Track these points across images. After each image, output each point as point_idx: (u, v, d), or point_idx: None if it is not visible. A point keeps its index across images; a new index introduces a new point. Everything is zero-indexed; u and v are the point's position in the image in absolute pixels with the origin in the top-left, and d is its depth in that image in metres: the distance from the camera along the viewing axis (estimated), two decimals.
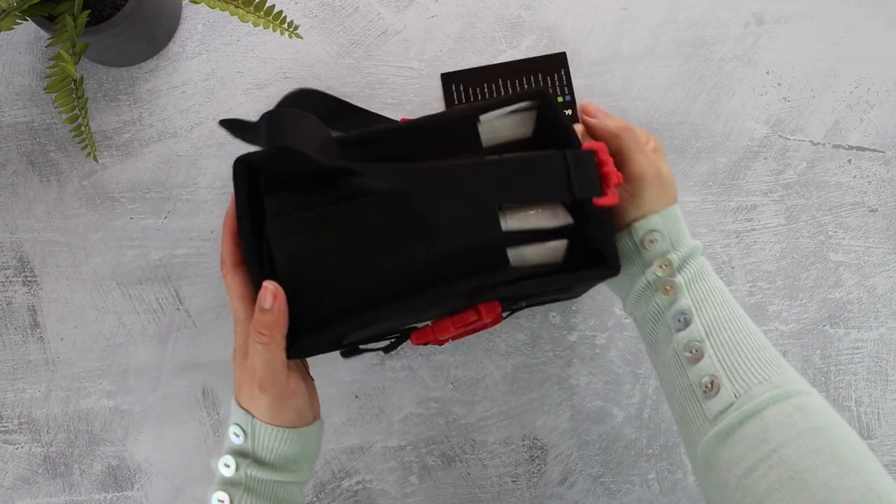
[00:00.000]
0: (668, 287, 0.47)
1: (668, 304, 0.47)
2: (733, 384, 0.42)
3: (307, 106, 0.54)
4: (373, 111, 0.62)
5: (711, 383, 0.43)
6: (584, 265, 0.47)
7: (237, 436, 0.45)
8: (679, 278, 0.47)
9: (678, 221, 0.49)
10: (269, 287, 0.43)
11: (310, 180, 0.46)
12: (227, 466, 0.45)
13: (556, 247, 0.49)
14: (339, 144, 0.46)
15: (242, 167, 0.45)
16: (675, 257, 0.47)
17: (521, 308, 0.59)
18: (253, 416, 0.45)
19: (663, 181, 0.48)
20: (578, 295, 0.61)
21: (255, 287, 0.45)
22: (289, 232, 0.45)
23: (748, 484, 0.39)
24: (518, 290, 0.46)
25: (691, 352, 0.45)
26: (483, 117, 0.47)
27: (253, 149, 0.46)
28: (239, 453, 0.45)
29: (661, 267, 0.47)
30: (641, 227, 0.48)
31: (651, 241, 0.48)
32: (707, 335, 0.45)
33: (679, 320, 0.46)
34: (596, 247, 0.47)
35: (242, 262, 0.46)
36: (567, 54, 0.66)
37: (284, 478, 0.46)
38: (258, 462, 0.45)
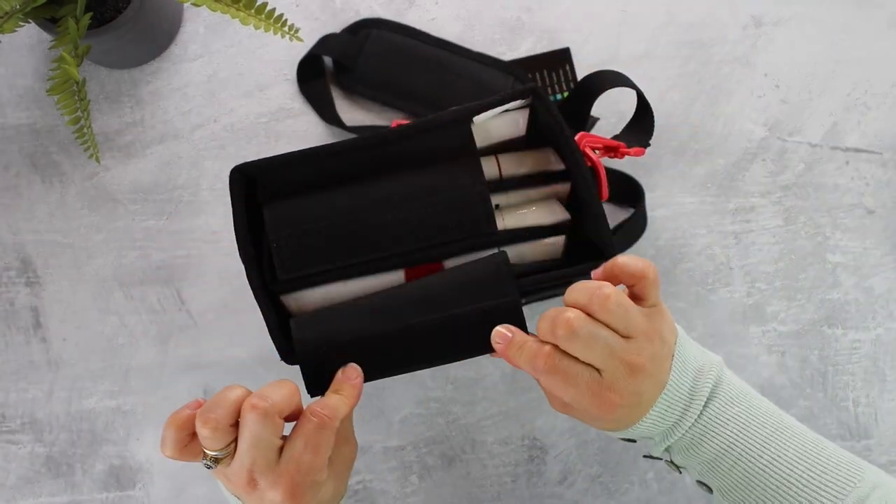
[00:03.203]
0: (668, 466, 0.47)
1: (683, 472, 0.47)
2: None
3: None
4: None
5: None
6: (583, 260, 0.47)
7: None
8: (677, 464, 0.46)
9: (654, 424, 0.43)
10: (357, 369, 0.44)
11: (307, 190, 0.46)
12: None
13: (554, 243, 0.49)
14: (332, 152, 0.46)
15: (239, 176, 0.46)
16: (658, 454, 0.46)
17: (522, 304, 0.60)
18: None
19: (596, 407, 0.42)
20: None
21: (259, 296, 0.45)
22: (288, 245, 0.46)
23: None
24: (518, 287, 0.46)
25: None
26: (476, 118, 0.47)
27: (250, 158, 0.47)
28: None
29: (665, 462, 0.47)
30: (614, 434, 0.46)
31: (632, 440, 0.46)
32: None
33: (698, 485, 0.46)
34: (593, 241, 0.47)
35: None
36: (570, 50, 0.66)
37: None
38: None
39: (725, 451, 0.42)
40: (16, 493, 0.63)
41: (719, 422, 0.42)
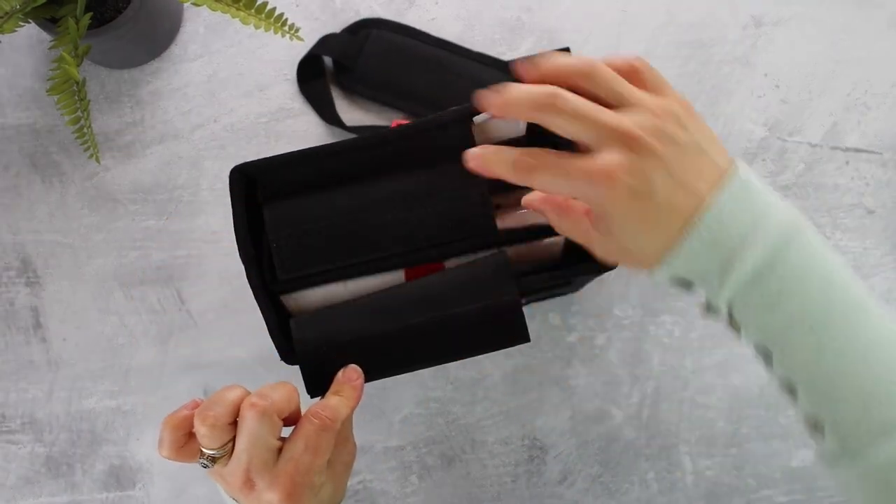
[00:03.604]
0: (731, 327, 0.39)
1: (738, 334, 0.39)
2: (838, 432, 0.35)
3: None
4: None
5: (815, 423, 0.36)
6: (582, 260, 0.47)
7: None
8: (736, 315, 0.37)
9: (708, 254, 0.36)
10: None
11: (307, 190, 0.46)
12: None
13: (554, 243, 0.49)
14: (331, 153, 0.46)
15: (239, 176, 0.46)
16: (721, 305, 0.37)
17: (522, 304, 0.60)
18: None
19: (638, 212, 0.35)
20: (577, 289, 0.62)
21: (259, 296, 0.45)
22: (288, 245, 0.46)
23: None
24: (518, 285, 0.46)
25: (783, 386, 0.38)
26: (476, 118, 0.47)
27: (250, 158, 0.47)
28: None
29: (705, 311, 0.39)
30: (656, 276, 0.38)
31: (676, 286, 0.38)
32: (793, 377, 0.36)
33: (757, 353, 0.38)
34: None
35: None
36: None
37: None
38: None
39: (802, 317, 0.35)
40: (16, 493, 0.63)
41: (805, 276, 0.35)
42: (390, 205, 0.46)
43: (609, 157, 0.35)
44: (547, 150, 0.38)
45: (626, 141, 0.35)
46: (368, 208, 0.46)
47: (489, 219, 0.46)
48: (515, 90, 0.37)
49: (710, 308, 0.39)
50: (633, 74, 0.38)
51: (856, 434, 0.35)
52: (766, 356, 0.38)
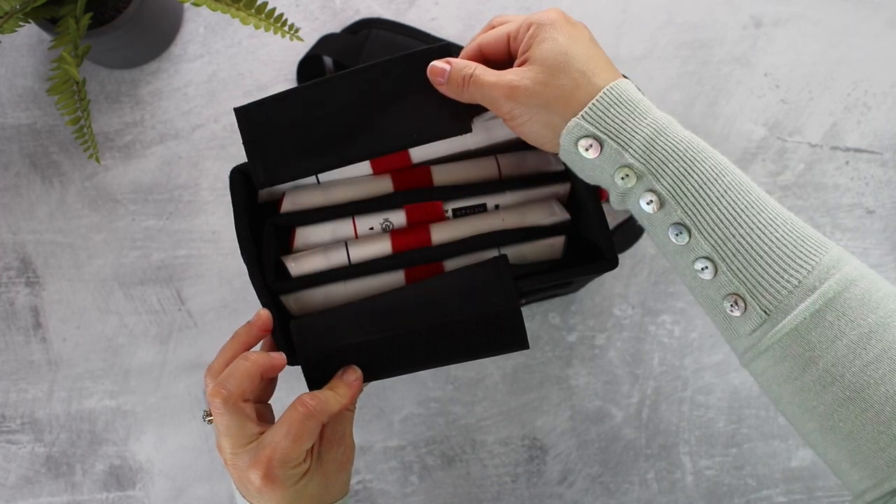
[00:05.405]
0: (649, 200, 0.40)
1: (659, 216, 0.40)
2: (759, 300, 0.37)
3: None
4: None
5: (735, 301, 0.38)
6: (582, 260, 0.47)
7: None
8: (656, 186, 0.39)
9: (619, 107, 0.39)
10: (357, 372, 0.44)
11: (287, 110, 0.45)
12: None
13: (554, 243, 0.49)
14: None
15: (239, 176, 0.46)
16: (633, 162, 0.39)
17: (522, 305, 0.60)
18: None
19: (551, 67, 0.40)
20: (577, 289, 0.62)
21: (262, 294, 0.45)
22: (266, 147, 0.45)
23: (803, 402, 0.37)
24: (518, 287, 0.47)
25: (703, 267, 0.39)
26: (477, 119, 0.48)
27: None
28: None
29: (623, 178, 0.40)
30: (567, 135, 0.40)
31: (588, 148, 0.40)
32: (714, 248, 0.38)
33: (677, 234, 0.40)
34: (592, 241, 0.47)
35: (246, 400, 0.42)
36: None
37: None
38: None
39: (715, 176, 0.39)
40: (16, 494, 0.63)
41: (688, 161, 0.39)
42: (368, 106, 0.44)
43: (511, 76, 0.41)
44: (477, 64, 0.43)
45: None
46: (344, 111, 0.44)
47: (465, 115, 0.45)
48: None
49: (627, 190, 0.40)
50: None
51: (775, 300, 0.37)
52: (689, 233, 0.39)
